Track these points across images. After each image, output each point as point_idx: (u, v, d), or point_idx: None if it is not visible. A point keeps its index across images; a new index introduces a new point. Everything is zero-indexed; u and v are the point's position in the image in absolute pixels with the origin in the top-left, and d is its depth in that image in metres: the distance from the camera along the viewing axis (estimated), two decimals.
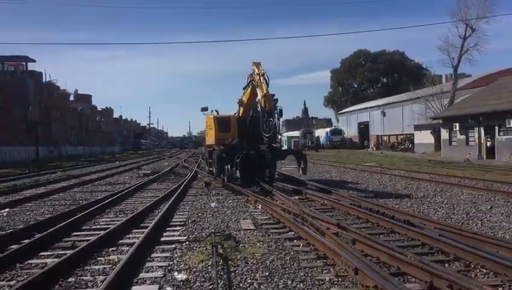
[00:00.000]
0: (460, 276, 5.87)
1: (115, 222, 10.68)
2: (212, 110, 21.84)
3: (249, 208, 13.09)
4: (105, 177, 25.15)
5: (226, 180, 19.01)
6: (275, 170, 20.53)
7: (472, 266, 6.85)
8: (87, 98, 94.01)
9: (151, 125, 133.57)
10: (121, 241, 8.94)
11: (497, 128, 37.97)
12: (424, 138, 55.95)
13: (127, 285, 6.24)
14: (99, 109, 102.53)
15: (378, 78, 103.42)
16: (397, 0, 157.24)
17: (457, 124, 42.65)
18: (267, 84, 17.34)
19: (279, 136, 18.47)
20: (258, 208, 12.91)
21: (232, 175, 18.67)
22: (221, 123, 20.80)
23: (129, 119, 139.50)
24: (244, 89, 20.26)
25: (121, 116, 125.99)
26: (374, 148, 72.04)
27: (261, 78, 17.46)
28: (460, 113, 42.43)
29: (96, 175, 26.84)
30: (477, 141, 40.48)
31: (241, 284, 6.24)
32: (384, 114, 74.41)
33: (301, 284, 6.19)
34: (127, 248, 8.27)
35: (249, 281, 6.38)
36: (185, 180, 20.82)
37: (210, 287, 6.11)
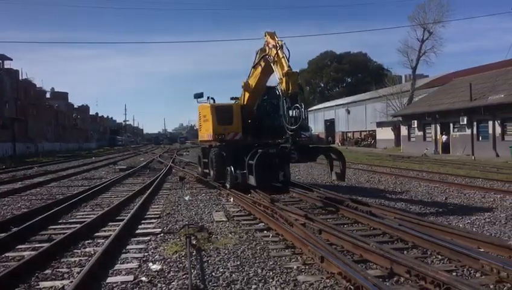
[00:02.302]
0: (417, 262, 6.00)
1: (91, 216, 10.48)
2: (208, 97, 16.61)
3: (222, 201, 13.06)
4: (81, 173, 24.65)
5: (228, 186, 14.62)
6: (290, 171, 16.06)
7: (429, 253, 7.02)
8: (63, 95, 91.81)
9: (126, 122, 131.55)
10: (97, 234, 8.78)
11: (451, 125, 39.03)
12: (385, 134, 56.94)
13: (102, 276, 6.14)
14: (75, 106, 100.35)
15: (343, 78, 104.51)
16: (358, 5, 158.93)
17: (416, 121, 43.62)
18: (288, 60, 12.57)
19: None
20: (230, 201, 12.90)
21: (238, 179, 14.23)
22: (221, 113, 15.92)
23: (105, 116, 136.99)
24: (253, 67, 15.04)
25: (97, 113, 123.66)
26: (339, 144, 72.85)
27: (279, 51, 12.61)
28: (418, 111, 43.37)
29: (72, 170, 26.25)
30: (433, 137, 41.51)
31: (213, 273, 6.22)
32: (348, 112, 75.29)
33: (270, 273, 6.22)
34: (103, 240, 8.14)
35: (221, 270, 6.38)
36: (160, 174, 20.59)
37: (184, 276, 6.07)
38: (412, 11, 73.43)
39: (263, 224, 9.47)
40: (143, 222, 10.05)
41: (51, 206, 11.62)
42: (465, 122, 36.17)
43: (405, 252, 7.11)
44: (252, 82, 15.20)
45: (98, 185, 16.89)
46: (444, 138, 39.81)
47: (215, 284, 5.80)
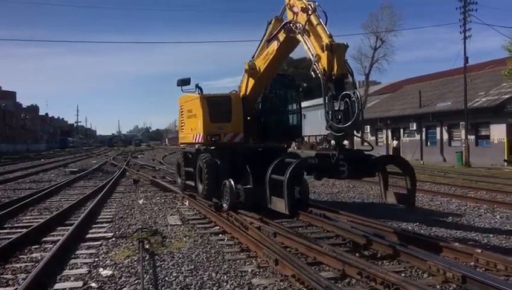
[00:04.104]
0: (368, 264, 6.15)
1: (39, 220, 10.08)
2: (196, 86, 12.46)
3: (177, 205, 12.89)
4: (29, 175, 23.64)
5: (226, 207, 10.70)
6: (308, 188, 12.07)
7: (379, 255, 7.20)
8: (11, 94, 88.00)
9: (78, 124, 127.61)
10: (44, 238, 8.45)
11: (402, 130, 40.41)
12: None
13: (50, 282, 5.91)
14: (24, 106, 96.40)
15: (299, 83, 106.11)
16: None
17: (368, 127, 44.81)
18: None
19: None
20: (186, 205, 12.75)
21: (240, 198, 10.60)
22: (216, 107, 12.01)
23: (56, 117, 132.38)
24: (268, 41, 10.69)
25: (47, 114, 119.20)
26: (296, 148, 73.74)
27: (313, 16, 8.72)
28: (371, 116, 44.58)
29: (20, 173, 25.14)
30: (385, 141, 42.81)
31: (166, 278, 6.13)
32: (304, 116, 76.40)
33: (225, 276, 6.19)
34: (51, 245, 7.85)
35: (175, 274, 6.29)
36: (113, 177, 20.10)
37: (135, 282, 5.94)
38: (365, 19, 75.51)
39: (218, 227, 9.43)
40: (94, 226, 9.77)
41: None
42: (414, 128, 37.54)
43: (357, 254, 7.26)
44: (261, 63, 10.94)
45: (46, 188, 16.27)
46: (395, 143, 41.13)
47: (168, 289, 5.71)
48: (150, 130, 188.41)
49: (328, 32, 8.33)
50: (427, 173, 23.42)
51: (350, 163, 7.82)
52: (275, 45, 10.28)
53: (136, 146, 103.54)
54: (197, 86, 12.42)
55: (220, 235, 8.82)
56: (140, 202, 13.35)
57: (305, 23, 8.75)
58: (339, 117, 7.88)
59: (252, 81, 11.53)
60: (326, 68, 8.04)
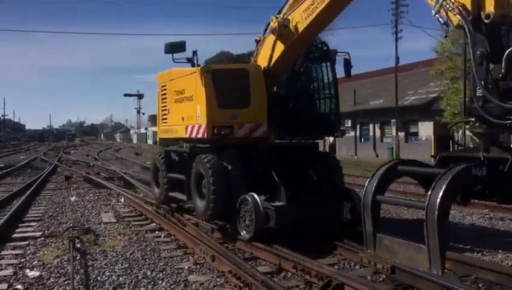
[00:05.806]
0: (303, 258, 6.27)
1: None
2: (194, 54, 8.86)
3: (111, 201, 12.51)
4: None
5: (248, 234, 7.23)
6: None
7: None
8: None
9: (6, 117, 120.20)
10: None
11: None
12: None
13: None
14: None
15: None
16: (250, 8, 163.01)
17: None
18: None
19: None
20: (121, 201, 12.40)
21: (270, 222, 7.07)
22: (227, 85, 8.26)
23: None
24: None
25: None
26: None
27: None
28: None
29: None
30: None
31: (98, 278, 5.93)
32: None
33: (160, 274, 6.09)
34: None
35: (108, 274, 6.10)
36: (43, 174, 19.14)
37: (65, 282, 5.70)
38: None
39: (155, 224, 9.25)
40: (21, 225, 9.29)
41: None
42: (349, 125, 38.87)
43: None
44: (301, 19, 7.25)
45: None
46: (331, 139, 42.30)
47: (100, 289, 5.53)
48: (84, 125, 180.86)
49: None
50: (361, 167, 24.30)
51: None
52: None
53: (69, 141, 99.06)
54: (194, 53, 8.67)
55: (157, 232, 8.67)
56: (72, 199, 12.81)
57: None
58: (503, 91, 4.31)
59: (281, 47, 7.76)
60: (469, 6, 4.47)
